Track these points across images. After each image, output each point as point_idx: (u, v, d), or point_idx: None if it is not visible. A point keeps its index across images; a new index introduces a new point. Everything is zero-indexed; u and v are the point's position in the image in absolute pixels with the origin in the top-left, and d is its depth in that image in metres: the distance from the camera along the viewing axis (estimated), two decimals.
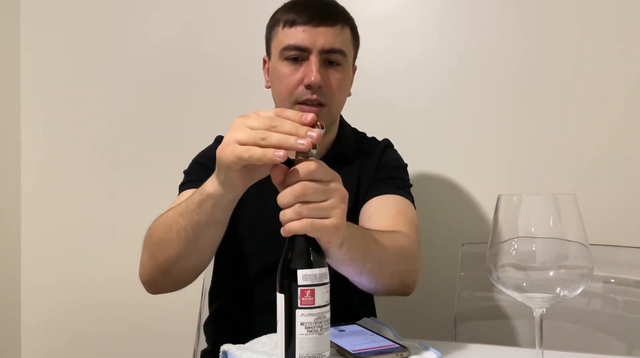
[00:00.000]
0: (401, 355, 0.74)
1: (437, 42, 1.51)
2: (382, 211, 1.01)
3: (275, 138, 0.64)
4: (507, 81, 1.45)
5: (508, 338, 1.31)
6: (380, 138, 1.22)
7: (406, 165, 1.17)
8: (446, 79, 1.50)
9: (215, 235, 0.83)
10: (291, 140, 0.64)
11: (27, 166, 1.91)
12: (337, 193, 0.67)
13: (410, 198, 1.08)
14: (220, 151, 0.69)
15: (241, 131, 0.67)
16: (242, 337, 0.83)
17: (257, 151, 0.65)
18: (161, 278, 0.90)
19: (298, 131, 0.65)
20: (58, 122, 1.87)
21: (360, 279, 0.81)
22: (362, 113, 1.42)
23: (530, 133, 1.43)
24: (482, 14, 1.47)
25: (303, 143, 0.63)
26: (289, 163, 0.66)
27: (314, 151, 0.66)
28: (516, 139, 1.44)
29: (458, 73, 1.49)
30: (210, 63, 1.72)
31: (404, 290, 0.93)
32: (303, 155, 0.66)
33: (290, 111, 0.68)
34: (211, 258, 0.92)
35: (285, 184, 0.65)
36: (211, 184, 0.75)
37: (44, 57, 1.90)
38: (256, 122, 0.66)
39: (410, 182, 1.14)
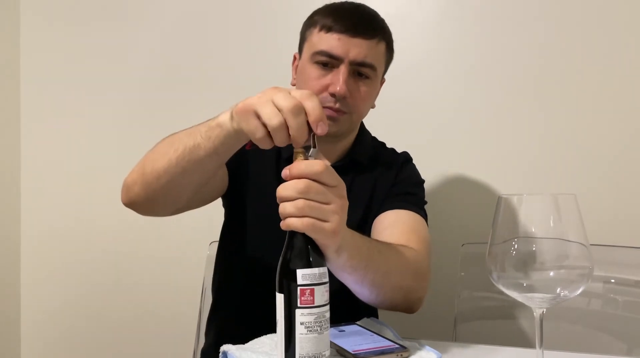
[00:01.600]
0: (401, 355, 0.74)
1: (437, 43, 1.51)
2: (396, 226, 1.00)
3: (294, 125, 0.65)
4: (507, 81, 1.45)
5: (508, 338, 1.30)
6: (379, 139, 1.22)
7: (423, 181, 1.16)
8: (446, 80, 1.50)
9: (205, 166, 0.82)
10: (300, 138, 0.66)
11: (27, 166, 1.90)
12: (339, 200, 0.67)
13: (425, 216, 1.08)
14: (245, 115, 0.69)
15: (267, 109, 0.66)
16: (242, 337, 0.83)
17: (267, 142, 0.68)
18: (137, 187, 0.89)
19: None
20: (58, 122, 1.87)
21: (362, 289, 0.81)
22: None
23: (530, 133, 1.43)
24: (482, 15, 1.47)
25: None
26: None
27: (313, 150, 0.66)
28: (516, 139, 1.44)
29: (458, 74, 1.49)
30: (213, 64, 1.71)
31: (407, 307, 0.92)
32: (303, 154, 0.66)
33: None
34: (190, 197, 0.90)
35: (289, 177, 0.65)
36: (225, 116, 0.75)
37: (44, 57, 1.89)
38: (283, 100, 0.66)
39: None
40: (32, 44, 1.91)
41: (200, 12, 1.73)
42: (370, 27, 1.02)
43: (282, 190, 0.65)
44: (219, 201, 1.17)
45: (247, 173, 1.09)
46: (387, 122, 1.50)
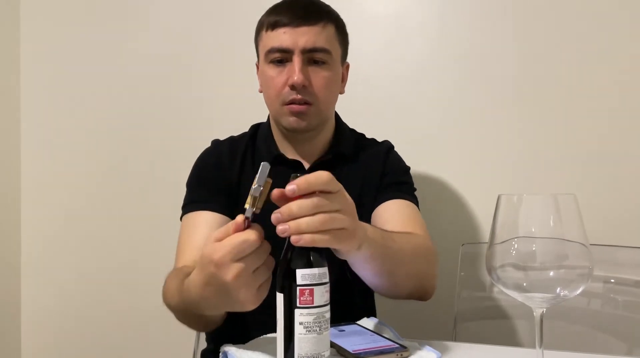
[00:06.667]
0: (401, 355, 0.74)
1: (436, 43, 1.51)
2: (398, 216, 1.02)
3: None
4: (507, 81, 1.45)
5: (508, 338, 1.30)
6: (380, 139, 1.22)
7: (409, 168, 1.18)
8: (446, 79, 1.50)
9: (210, 316, 0.81)
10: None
11: (28, 167, 1.90)
12: (347, 202, 0.67)
13: (417, 203, 1.10)
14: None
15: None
16: (242, 337, 0.83)
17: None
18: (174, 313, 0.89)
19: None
20: (58, 123, 1.87)
21: (380, 280, 0.82)
22: (361, 114, 1.42)
23: (530, 133, 1.43)
24: (482, 14, 1.47)
25: None
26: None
27: (255, 188, 0.63)
28: (516, 139, 1.44)
29: (458, 73, 1.49)
30: (214, 64, 1.71)
31: (422, 294, 0.94)
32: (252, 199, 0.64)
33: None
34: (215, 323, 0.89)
35: (298, 194, 0.62)
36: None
37: (44, 57, 1.89)
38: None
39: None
40: (32, 44, 1.91)
41: (201, 13, 1.72)
42: (313, 12, 1.02)
43: (298, 209, 0.61)
44: None
45: (240, 184, 1.08)
46: (387, 121, 1.51)
